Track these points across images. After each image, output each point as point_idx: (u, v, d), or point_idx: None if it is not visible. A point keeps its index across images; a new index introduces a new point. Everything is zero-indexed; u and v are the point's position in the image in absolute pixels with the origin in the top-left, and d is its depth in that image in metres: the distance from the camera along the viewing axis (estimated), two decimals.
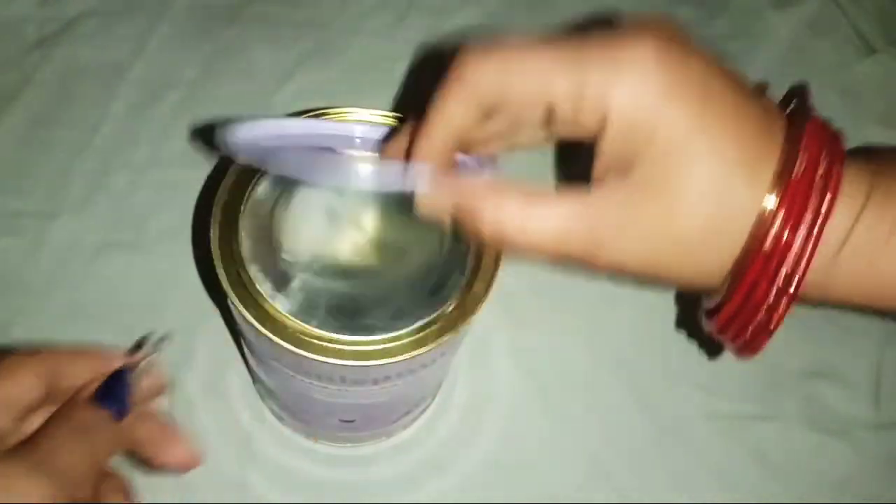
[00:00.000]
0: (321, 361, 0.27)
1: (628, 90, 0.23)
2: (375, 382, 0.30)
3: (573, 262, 0.25)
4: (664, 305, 0.44)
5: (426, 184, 0.25)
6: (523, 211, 0.24)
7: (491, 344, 0.42)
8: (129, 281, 0.42)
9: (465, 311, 0.29)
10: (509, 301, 0.42)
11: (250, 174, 0.31)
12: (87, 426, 0.25)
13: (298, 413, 0.36)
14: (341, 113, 0.33)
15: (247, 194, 0.31)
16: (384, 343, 0.28)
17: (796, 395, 0.42)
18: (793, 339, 0.43)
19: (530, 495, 0.38)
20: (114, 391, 0.27)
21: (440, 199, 0.25)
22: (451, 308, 0.29)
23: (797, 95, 0.28)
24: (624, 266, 0.25)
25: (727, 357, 0.43)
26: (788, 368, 0.43)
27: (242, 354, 0.39)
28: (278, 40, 0.52)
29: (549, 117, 0.24)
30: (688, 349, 0.42)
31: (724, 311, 0.25)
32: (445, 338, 0.28)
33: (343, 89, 0.50)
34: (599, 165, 0.24)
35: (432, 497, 0.38)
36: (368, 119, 0.33)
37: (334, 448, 0.38)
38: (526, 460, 0.39)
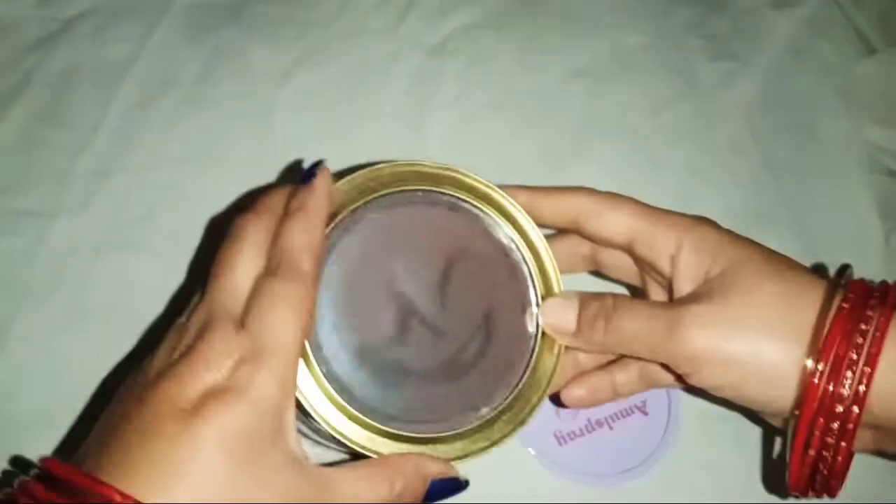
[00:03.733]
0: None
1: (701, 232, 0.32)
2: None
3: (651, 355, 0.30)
4: None
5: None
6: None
7: None
8: (130, 281, 0.42)
9: (536, 392, 0.28)
10: None
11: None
12: (396, 479, 0.26)
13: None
14: (412, 166, 0.30)
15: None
16: (454, 441, 0.27)
17: None
18: None
19: (529, 494, 0.38)
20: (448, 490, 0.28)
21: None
22: (517, 392, 0.28)
23: (840, 272, 0.32)
24: (700, 376, 0.29)
25: None
26: None
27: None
28: (278, 40, 0.52)
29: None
30: None
31: (793, 457, 0.27)
32: (512, 433, 0.27)
33: (343, 89, 0.50)
34: (678, 284, 0.31)
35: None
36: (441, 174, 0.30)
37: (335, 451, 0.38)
38: (521, 458, 0.39)
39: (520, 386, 0.28)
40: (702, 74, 0.53)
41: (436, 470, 0.27)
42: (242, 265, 0.26)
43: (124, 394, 0.25)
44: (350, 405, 0.26)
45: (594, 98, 0.52)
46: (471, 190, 0.30)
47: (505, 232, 0.30)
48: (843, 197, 0.49)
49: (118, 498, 0.21)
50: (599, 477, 0.39)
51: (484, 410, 0.27)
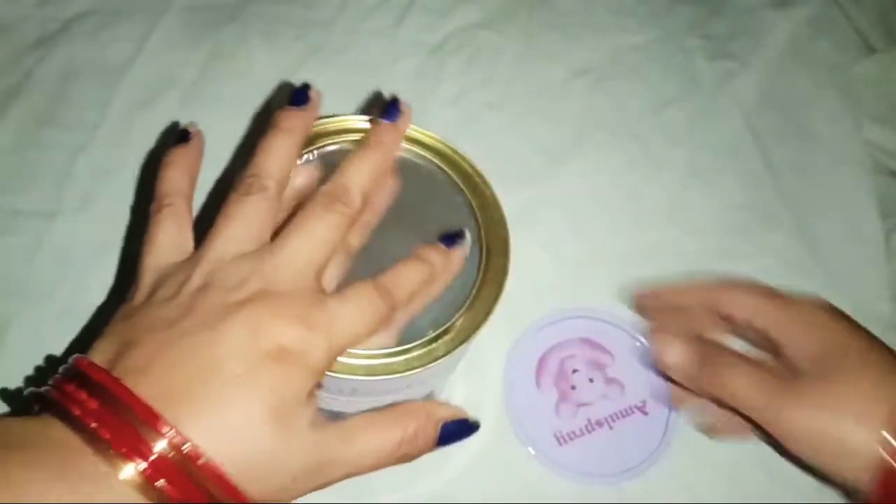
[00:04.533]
0: (329, 376, 0.27)
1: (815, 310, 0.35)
2: (386, 393, 0.29)
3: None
4: None
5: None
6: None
7: (486, 344, 0.42)
8: (129, 281, 0.42)
9: (476, 319, 0.29)
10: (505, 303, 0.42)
11: None
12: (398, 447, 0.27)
13: None
14: (340, 121, 0.33)
15: None
16: (395, 356, 0.27)
17: None
18: None
19: (529, 494, 0.38)
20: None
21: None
22: (460, 318, 0.28)
23: None
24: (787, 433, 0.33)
25: None
26: None
27: None
28: (278, 40, 0.52)
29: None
30: None
31: None
32: (458, 349, 0.28)
33: (343, 89, 0.50)
34: (787, 357, 0.34)
35: (431, 495, 0.38)
36: (363, 127, 0.32)
37: None
38: (521, 457, 0.39)
39: (463, 309, 0.29)
40: (702, 74, 0.53)
41: (447, 414, 0.29)
42: (322, 234, 0.26)
43: (172, 302, 0.25)
44: None
45: (594, 98, 0.52)
46: (410, 139, 0.32)
47: (440, 168, 0.32)
48: (843, 197, 0.49)
49: (164, 429, 0.21)
50: (599, 477, 0.39)
51: (429, 333, 0.28)
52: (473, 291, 0.29)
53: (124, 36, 0.50)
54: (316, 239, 0.26)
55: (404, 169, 0.32)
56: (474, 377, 0.41)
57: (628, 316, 0.43)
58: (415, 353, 0.28)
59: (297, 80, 0.50)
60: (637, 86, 0.52)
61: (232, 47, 0.51)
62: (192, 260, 0.26)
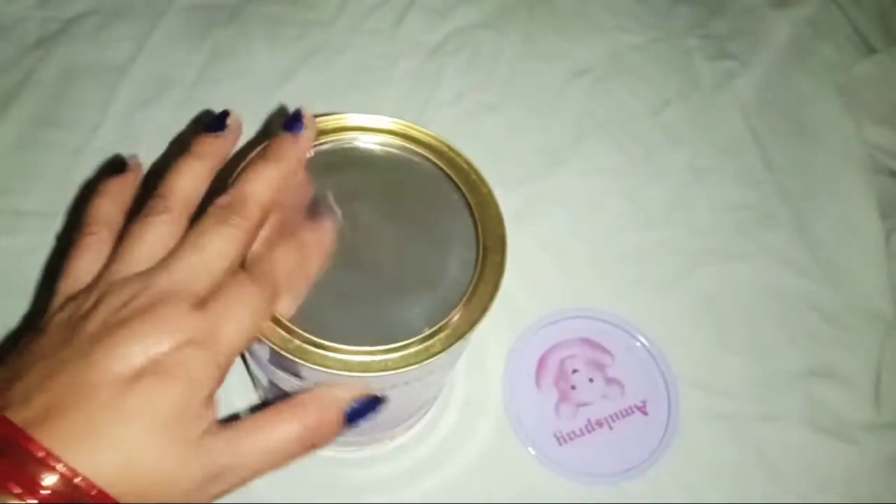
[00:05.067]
0: (326, 372, 0.27)
1: None
2: (381, 390, 0.29)
3: None
4: (662, 311, 0.44)
5: None
6: None
7: (487, 344, 0.42)
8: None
9: (472, 316, 0.28)
10: (505, 303, 0.42)
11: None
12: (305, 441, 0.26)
13: None
14: (340, 119, 0.33)
15: None
16: (391, 352, 0.27)
17: (796, 395, 0.42)
18: (793, 339, 0.44)
19: (529, 494, 0.38)
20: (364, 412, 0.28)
21: None
22: (457, 315, 0.28)
23: None
24: None
25: (727, 357, 0.43)
26: (788, 368, 0.43)
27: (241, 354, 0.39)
28: (278, 40, 0.52)
29: None
30: (687, 351, 0.42)
31: None
32: (455, 345, 0.28)
33: (343, 89, 0.50)
34: None
35: (431, 496, 0.38)
36: (370, 125, 0.33)
37: (336, 451, 0.38)
38: (521, 458, 0.39)
39: (460, 305, 0.29)
40: (702, 74, 0.53)
41: (348, 395, 0.28)
42: (218, 246, 0.26)
43: (61, 329, 0.24)
44: (293, 324, 0.27)
45: (594, 98, 0.52)
46: (406, 136, 0.32)
47: (440, 167, 0.32)
48: (842, 196, 0.49)
49: (53, 463, 0.21)
50: (599, 477, 0.39)
51: (425, 330, 0.28)
52: (470, 288, 0.29)
53: (124, 36, 0.50)
54: (210, 251, 0.26)
55: (400, 166, 0.32)
56: (474, 377, 0.41)
57: (628, 316, 0.43)
58: (411, 350, 0.27)
59: (297, 80, 0.50)
60: (637, 86, 0.52)
61: (232, 47, 0.51)
62: (91, 283, 0.26)
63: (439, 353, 0.27)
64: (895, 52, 0.55)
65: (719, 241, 0.47)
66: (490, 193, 0.31)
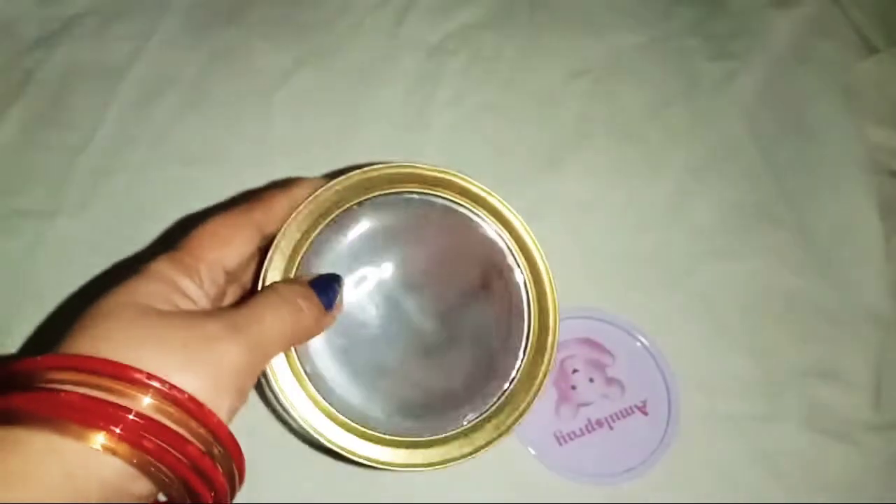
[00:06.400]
0: (373, 466, 0.26)
1: None
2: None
3: None
4: (662, 311, 0.44)
5: None
6: None
7: None
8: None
9: (514, 413, 0.27)
10: None
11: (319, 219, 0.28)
12: (296, 303, 0.25)
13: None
14: (406, 167, 0.29)
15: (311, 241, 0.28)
16: (432, 446, 0.26)
17: (796, 395, 0.42)
18: (793, 339, 0.44)
19: (529, 495, 0.38)
20: (328, 284, 0.27)
21: None
22: (501, 411, 0.27)
23: None
24: None
25: (727, 357, 0.43)
26: (788, 368, 0.43)
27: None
28: (278, 41, 0.52)
29: None
30: (687, 351, 0.42)
31: None
32: (495, 442, 0.27)
33: (343, 90, 0.50)
34: None
35: (431, 495, 0.38)
36: (432, 174, 0.29)
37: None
38: (521, 458, 0.39)
39: (507, 393, 0.27)
40: (702, 74, 0.53)
41: (304, 281, 0.27)
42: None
43: None
44: (332, 406, 0.26)
45: (594, 98, 0.51)
46: (464, 193, 0.29)
47: (500, 235, 0.29)
48: (843, 197, 0.49)
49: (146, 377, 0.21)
50: (599, 477, 0.39)
51: (470, 416, 0.27)
52: (514, 385, 0.28)
53: (125, 36, 0.50)
54: None
55: (459, 228, 0.29)
56: None
57: (628, 316, 0.43)
58: (455, 444, 0.26)
59: (297, 81, 0.50)
60: (637, 86, 0.52)
61: (232, 47, 0.51)
62: None
63: (481, 448, 0.26)
64: (895, 51, 0.55)
65: (719, 241, 0.47)
66: (551, 283, 0.30)
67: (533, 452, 0.39)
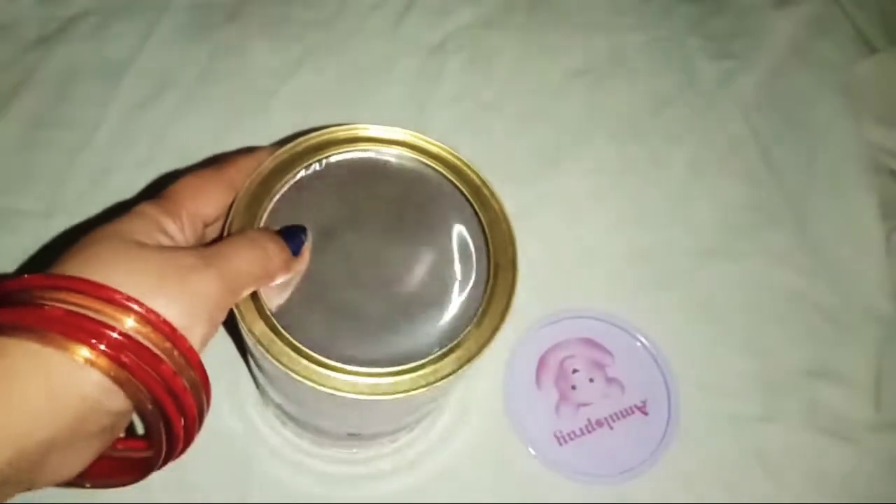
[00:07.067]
0: (334, 394, 0.26)
1: None
2: (388, 411, 0.29)
3: None
4: (662, 311, 0.44)
5: None
6: None
7: None
8: None
9: (483, 337, 0.28)
10: None
11: (274, 181, 0.30)
12: (265, 246, 0.27)
13: (305, 425, 0.35)
14: (353, 129, 0.32)
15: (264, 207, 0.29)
16: (401, 374, 0.27)
17: (796, 395, 0.42)
18: (793, 338, 0.44)
19: (529, 495, 0.38)
20: (294, 234, 0.29)
21: None
22: (468, 336, 0.28)
23: None
24: None
25: (727, 357, 0.43)
26: (788, 368, 0.43)
27: (245, 360, 0.39)
28: (278, 40, 0.52)
29: None
30: (687, 351, 0.42)
31: None
32: (465, 367, 0.27)
33: (343, 89, 0.50)
34: None
35: (431, 495, 0.38)
36: (382, 136, 0.32)
37: (337, 451, 0.38)
38: (521, 458, 0.39)
39: (471, 326, 0.28)
40: (702, 73, 0.53)
41: (272, 231, 0.29)
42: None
43: None
44: (298, 341, 0.27)
45: (594, 97, 0.52)
46: (416, 147, 0.32)
47: (454, 183, 0.31)
48: (843, 196, 0.49)
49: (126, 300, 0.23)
50: (599, 477, 0.39)
51: (435, 349, 0.28)
52: (481, 309, 0.29)
53: (124, 35, 0.50)
54: None
55: (413, 179, 0.31)
56: (475, 377, 0.41)
57: (628, 316, 0.43)
58: (421, 372, 0.27)
59: (297, 80, 0.50)
60: (637, 86, 0.52)
61: (232, 47, 0.51)
62: None
63: (450, 375, 0.27)
64: (895, 51, 0.55)
65: (719, 241, 0.47)
66: (502, 211, 0.31)
67: (533, 452, 0.39)
